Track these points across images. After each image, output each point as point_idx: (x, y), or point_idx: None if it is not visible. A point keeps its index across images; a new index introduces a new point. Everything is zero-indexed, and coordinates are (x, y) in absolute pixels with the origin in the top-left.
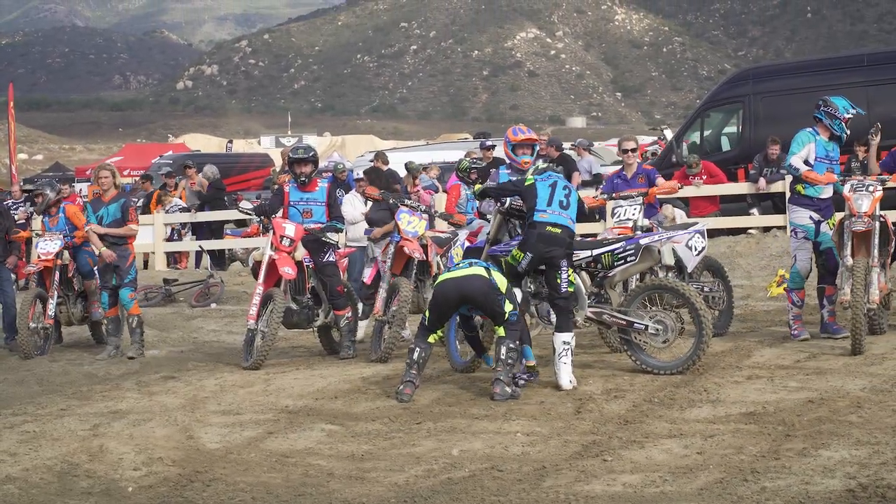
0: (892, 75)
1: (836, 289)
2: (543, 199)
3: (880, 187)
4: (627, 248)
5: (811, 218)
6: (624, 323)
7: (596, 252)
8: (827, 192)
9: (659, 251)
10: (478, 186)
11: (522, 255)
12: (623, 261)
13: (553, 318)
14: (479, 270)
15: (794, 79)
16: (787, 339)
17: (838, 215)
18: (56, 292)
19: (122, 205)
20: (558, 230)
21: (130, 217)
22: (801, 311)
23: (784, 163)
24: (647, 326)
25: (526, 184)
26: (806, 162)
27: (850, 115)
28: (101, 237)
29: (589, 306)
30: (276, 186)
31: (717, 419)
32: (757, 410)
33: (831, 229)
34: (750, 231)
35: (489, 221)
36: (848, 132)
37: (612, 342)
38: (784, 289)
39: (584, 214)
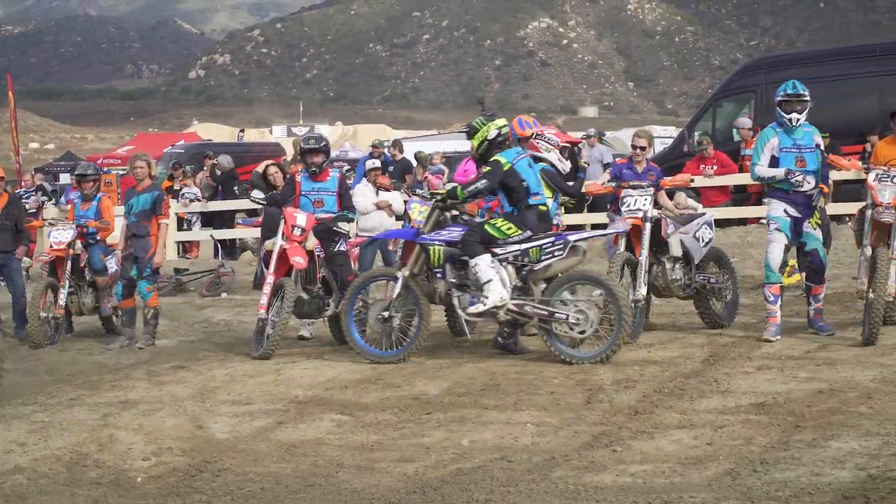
0: None
1: (823, 287)
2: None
3: None
4: (556, 243)
5: (786, 211)
6: (546, 314)
7: (525, 246)
8: (804, 186)
9: (584, 250)
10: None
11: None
12: (550, 255)
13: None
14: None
15: (807, 68)
16: (797, 330)
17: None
18: (67, 282)
19: (154, 196)
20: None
21: (163, 210)
22: (775, 307)
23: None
24: (567, 316)
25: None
26: (774, 158)
27: (780, 98)
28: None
29: (512, 299)
30: (287, 176)
31: (726, 410)
32: (767, 401)
33: (815, 227)
34: (762, 220)
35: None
36: (787, 115)
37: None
38: (800, 277)
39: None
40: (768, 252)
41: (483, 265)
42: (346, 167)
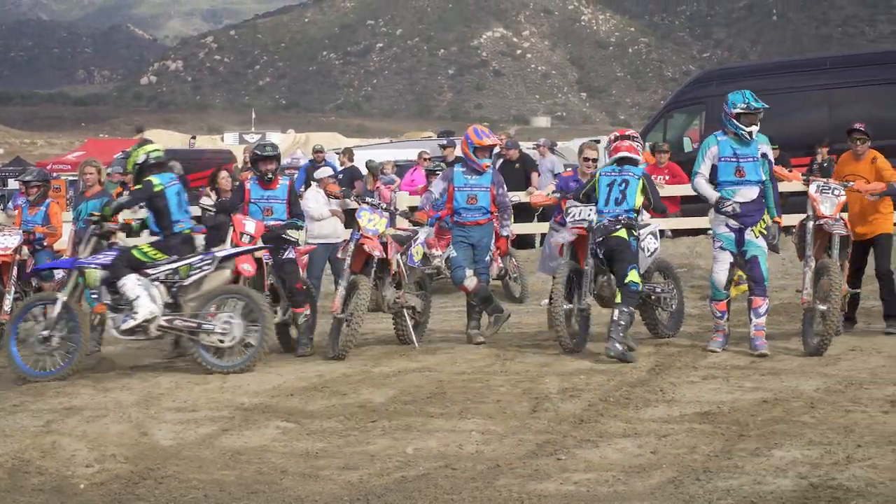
0: (853, 78)
1: (764, 301)
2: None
3: (843, 192)
4: (204, 260)
5: (728, 226)
6: (194, 326)
7: (175, 265)
8: (744, 195)
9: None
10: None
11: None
12: (199, 270)
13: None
14: (622, 233)
15: (758, 81)
16: (744, 340)
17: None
18: (13, 288)
19: (103, 203)
20: None
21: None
22: (723, 321)
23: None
24: (214, 328)
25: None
26: (714, 168)
27: (738, 110)
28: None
29: (163, 315)
30: (237, 183)
31: (671, 419)
32: (711, 410)
33: (758, 236)
34: (710, 232)
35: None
36: (747, 128)
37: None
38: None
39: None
40: (714, 270)
41: (130, 283)
42: (297, 175)
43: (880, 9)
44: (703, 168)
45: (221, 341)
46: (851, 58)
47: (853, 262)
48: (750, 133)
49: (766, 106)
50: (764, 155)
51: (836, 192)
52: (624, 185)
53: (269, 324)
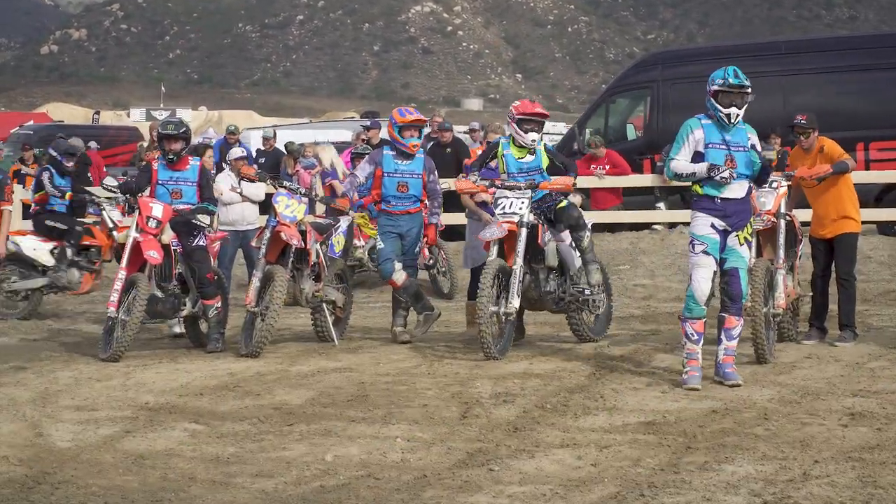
0: (809, 64)
1: (739, 322)
2: None
3: (785, 183)
4: None
5: (714, 226)
6: None
7: None
8: (733, 191)
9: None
10: None
11: None
12: None
13: None
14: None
15: (706, 65)
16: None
17: None
18: None
19: None
20: None
21: (5, 195)
22: (698, 347)
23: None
24: None
25: None
26: (698, 154)
27: (716, 87)
28: None
29: None
30: (143, 163)
31: (613, 428)
32: (656, 420)
33: (743, 243)
34: (655, 227)
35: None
36: (725, 109)
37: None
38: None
39: None
40: (693, 280)
41: None
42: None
43: None
44: (682, 155)
45: None
46: (807, 42)
47: (819, 265)
48: (728, 116)
49: (748, 84)
50: (753, 146)
51: (774, 184)
52: None
53: None
